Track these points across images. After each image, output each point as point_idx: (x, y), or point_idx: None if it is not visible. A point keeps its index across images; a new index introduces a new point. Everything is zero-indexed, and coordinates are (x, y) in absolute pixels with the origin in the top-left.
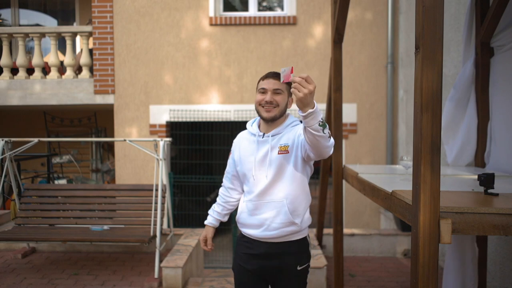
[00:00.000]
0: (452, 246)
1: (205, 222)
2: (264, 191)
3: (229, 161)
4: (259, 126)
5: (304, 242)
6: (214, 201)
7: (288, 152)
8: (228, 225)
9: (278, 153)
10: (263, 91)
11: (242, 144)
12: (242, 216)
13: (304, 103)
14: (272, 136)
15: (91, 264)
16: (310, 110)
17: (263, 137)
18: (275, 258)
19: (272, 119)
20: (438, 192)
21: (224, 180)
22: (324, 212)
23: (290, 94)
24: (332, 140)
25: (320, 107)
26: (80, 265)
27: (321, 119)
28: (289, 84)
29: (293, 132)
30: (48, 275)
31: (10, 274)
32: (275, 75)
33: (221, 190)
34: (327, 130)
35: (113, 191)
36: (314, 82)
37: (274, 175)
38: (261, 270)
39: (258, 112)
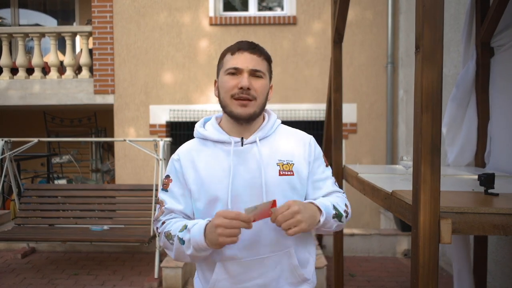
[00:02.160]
0: (456, 247)
1: (202, 226)
2: (257, 240)
3: (166, 198)
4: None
5: None
6: None
7: (292, 174)
8: None
9: (280, 174)
10: (235, 72)
11: (198, 162)
12: (223, 284)
13: (312, 223)
14: (260, 140)
15: (91, 264)
16: (321, 219)
17: (242, 145)
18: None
19: (249, 118)
20: (438, 192)
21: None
22: None
23: (271, 78)
24: (348, 216)
25: (320, 107)
26: (80, 265)
27: (334, 213)
28: (270, 63)
29: (296, 140)
30: (48, 275)
31: (10, 274)
32: (254, 47)
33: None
34: (344, 218)
35: (113, 191)
36: (295, 207)
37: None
38: None
39: (225, 106)
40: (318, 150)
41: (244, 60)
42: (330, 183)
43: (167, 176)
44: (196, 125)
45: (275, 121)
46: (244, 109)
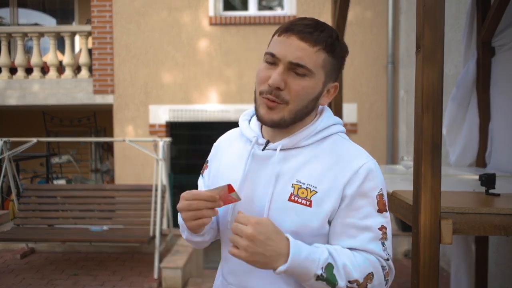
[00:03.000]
0: (456, 247)
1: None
2: (250, 270)
3: (199, 183)
4: (261, 127)
5: None
6: None
7: (310, 205)
8: None
9: (290, 199)
10: (273, 61)
11: (225, 154)
12: (216, 284)
13: (259, 262)
14: (281, 150)
15: (90, 264)
16: (278, 270)
17: (264, 149)
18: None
19: (275, 125)
20: (439, 192)
21: None
22: None
23: (335, 76)
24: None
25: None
26: (79, 265)
27: (322, 266)
28: (338, 55)
29: (341, 162)
30: (47, 275)
31: (9, 275)
32: (308, 31)
33: None
34: (342, 283)
35: (112, 191)
36: (252, 229)
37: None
38: None
39: (255, 101)
40: (374, 185)
41: (287, 48)
42: (368, 237)
43: (206, 161)
44: (242, 115)
45: (324, 130)
46: (268, 113)
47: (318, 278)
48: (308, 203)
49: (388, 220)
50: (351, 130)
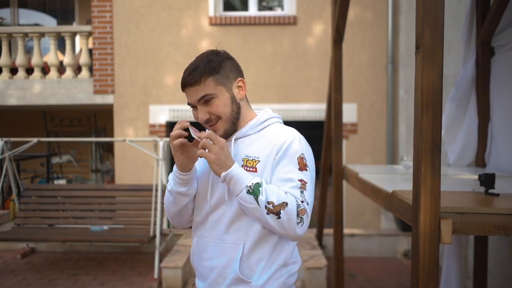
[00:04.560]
0: (448, 246)
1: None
2: (215, 224)
3: None
4: None
5: None
6: None
7: (255, 171)
8: None
9: (243, 168)
10: (193, 107)
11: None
12: (192, 258)
13: (219, 162)
14: (235, 139)
15: (90, 264)
16: (224, 173)
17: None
18: None
19: (226, 135)
20: (439, 192)
21: None
22: (324, 212)
23: (233, 76)
24: (286, 218)
25: (320, 107)
26: (79, 265)
27: (250, 184)
28: (219, 68)
29: (274, 140)
30: (47, 275)
31: (10, 275)
32: (190, 79)
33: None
34: (263, 198)
35: (112, 191)
36: (219, 141)
37: (233, 200)
38: None
39: None
40: (294, 150)
41: (190, 96)
42: (289, 185)
43: None
44: None
45: (267, 120)
46: (217, 133)
47: (248, 190)
48: (254, 169)
49: (307, 176)
50: (351, 130)
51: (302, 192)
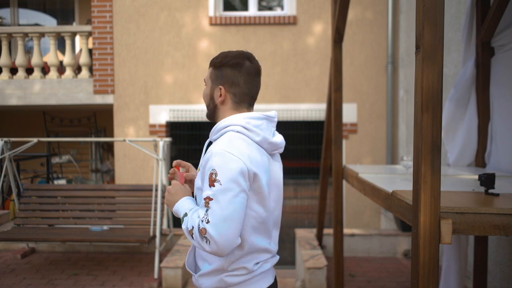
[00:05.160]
0: (448, 246)
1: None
2: None
3: None
4: None
5: None
6: None
7: (196, 177)
8: None
9: (196, 175)
10: None
11: None
12: None
13: (168, 205)
14: (209, 141)
15: (90, 264)
16: (171, 209)
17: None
18: None
19: (209, 117)
20: (439, 192)
21: None
22: (324, 212)
23: (221, 81)
24: (196, 239)
25: (320, 107)
26: (79, 265)
27: (181, 217)
28: (222, 67)
29: (209, 151)
30: (47, 275)
31: (10, 274)
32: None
33: None
34: (184, 226)
35: (112, 191)
36: (172, 187)
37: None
38: None
39: None
40: (208, 167)
41: None
42: (201, 203)
43: None
44: None
45: (224, 128)
46: None
47: (181, 218)
48: (196, 176)
49: (213, 192)
50: (351, 130)
51: (206, 210)
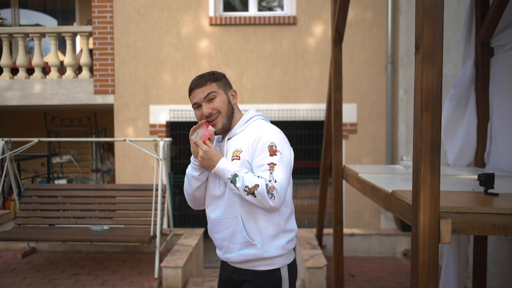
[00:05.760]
0: (448, 245)
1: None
2: (217, 206)
3: None
4: None
5: (273, 276)
6: None
7: (239, 159)
8: None
9: (231, 159)
10: (197, 107)
11: None
12: (209, 234)
13: (207, 162)
14: (228, 140)
15: (91, 264)
16: (212, 170)
17: (222, 140)
18: (237, 286)
19: (222, 130)
20: (438, 192)
21: None
22: (324, 212)
23: (229, 87)
24: (260, 196)
25: (320, 107)
26: (80, 265)
27: (230, 176)
28: (220, 79)
29: (253, 133)
30: (48, 275)
31: (10, 274)
32: (198, 82)
33: None
34: (240, 185)
35: (113, 191)
36: (205, 147)
37: (226, 186)
38: None
39: None
40: (265, 140)
41: (197, 97)
42: (261, 169)
43: None
44: None
45: (248, 121)
46: (216, 126)
47: (230, 180)
48: (238, 157)
49: (277, 159)
50: (350, 130)
51: (271, 173)
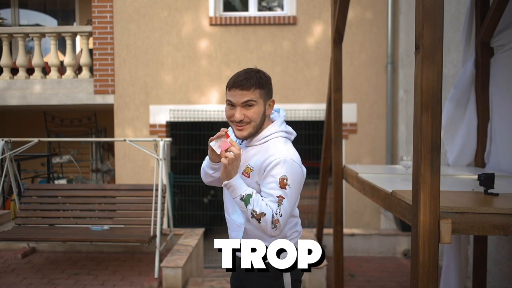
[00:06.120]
0: (448, 246)
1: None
2: (229, 207)
3: None
4: None
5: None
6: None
7: (248, 177)
8: None
9: (242, 173)
10: (231, 105)
11: None
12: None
13: (226, 173)
14: (246, 146)
15: (91, 264)
16: (225, 182)
17: (240, 144)
18: (243, 274)
19: (246, 138)
20: (438, 192)
21: None
22: (324, 212)
23: (270, 96)
24: (264, 224)
25: (320, 107)
26: (80, 265)
27: (243, 194)
28: (265, 85)
29: (269, 156)
30: (48, 275)
31: (10, 274)
32: (244, 83)
33: None
34: (250, 207)
35: (113, 191)
36: (232, 156)
37: None
38: (235, 280)
39: (230, 125)
40: (274, 173)
41: (235, 97)
42: (270, 199)
43: None
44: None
45: (270, 135)
46: (239, 132)
47: (241, 198)
48: (248, 175)
49: (286, 193)
50: (350, 130)
51: (278, 205)
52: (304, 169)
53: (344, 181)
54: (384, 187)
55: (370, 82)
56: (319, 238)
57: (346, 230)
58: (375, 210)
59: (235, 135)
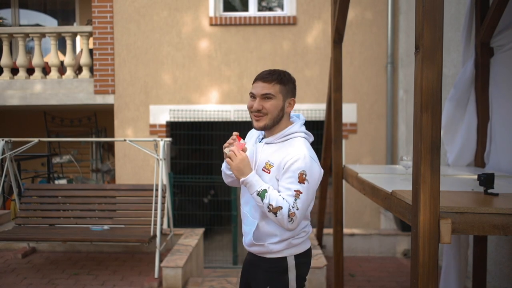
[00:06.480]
0: (448, 245)
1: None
2: (246, 202)
3: None
4: None
5: (280, 264)
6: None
7: (269, 173)
8: (228, 225)
9: (262, 169)
10: (252, 97)
11: (248, 140)
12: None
13: (237, 170)
14: (266, 144)
15: (91, 264)
16: (242, 179)
17: (261, 141)
18: (250, 268)
19: (262, 129)
20: (438, 192)
21: None
22: (324, 212)
23: (291, 95)
24: (281, 217)
25: (320, 107)
26: (80, 265)
27: (259, 189)
28: (287, 83)
29: (289, 153)
30: (48, 275)
31: (10, 274)
32: (266, 77)
33: None
34: (266, 201)
35: (113, 191)
36: (240, 155)
37: None
38: (243, 277)
39: (251, 117)
40: (297, 167)
41: (257, 87)
42: (287, 193)
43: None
44: None
45: (290, 135)
46: (256, 123)
47: (257, 193)
48: (268, 171)
49: (304, 188)
50: (350, 130)
51: (295, 200)
52: (322, 170)
53: (344, 181)
54: (384, 187)
55: (370, 82)
56: (319, 238)
57: (346, 230)
58: (375, 210)
59: (254, 126)
